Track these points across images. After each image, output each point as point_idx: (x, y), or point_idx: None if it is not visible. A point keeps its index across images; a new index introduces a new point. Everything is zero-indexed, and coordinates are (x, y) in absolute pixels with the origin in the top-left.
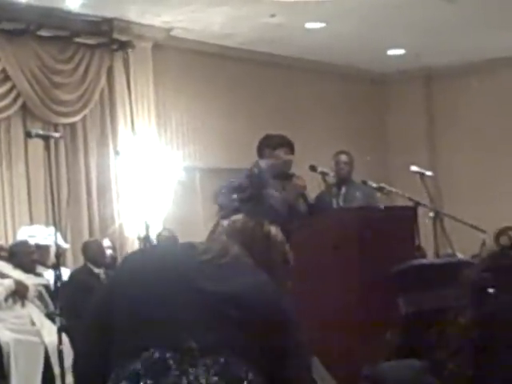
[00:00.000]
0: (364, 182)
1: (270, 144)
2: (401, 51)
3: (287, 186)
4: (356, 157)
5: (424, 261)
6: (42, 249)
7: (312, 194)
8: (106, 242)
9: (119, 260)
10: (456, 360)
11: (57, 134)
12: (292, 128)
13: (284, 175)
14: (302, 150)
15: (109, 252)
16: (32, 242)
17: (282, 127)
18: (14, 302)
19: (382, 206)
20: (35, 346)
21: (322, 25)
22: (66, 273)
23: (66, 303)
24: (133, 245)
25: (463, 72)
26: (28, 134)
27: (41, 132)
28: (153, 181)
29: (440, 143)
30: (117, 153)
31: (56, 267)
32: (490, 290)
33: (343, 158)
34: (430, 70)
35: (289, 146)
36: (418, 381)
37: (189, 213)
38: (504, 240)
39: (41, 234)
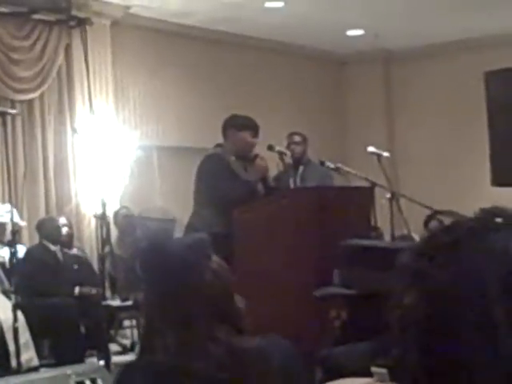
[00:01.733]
0: (322, 163)
1: (235, 124)
2: (360, 32)
3: (249, 168)
4: (314, 137)
5: (366, 242)
6: (0, 226)
7: (270, 173)
8: (63, 220)
9: (75, 237)
10: (400, 345)
11: (13, 111)
12: (249, 107)
13: (247, 156)
14: (262, 130)
15: (65, 230)
16: None
17: (239, 107)
18: None
19: (338, 186)
20: None
21: (281, 4)
22: (21, 250)
23: (22, 280)
24: (89, 223)
25: (421, 54)
26: None
27: None
28: (110, 159)
29: (398, 124)
30: (74, 130)
31: (12, 244)
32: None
33: (296, 138)
34: (388, 52)
35: (254, 129)
36: (370, 365)
37: (146, 191)
38: (433, 225)
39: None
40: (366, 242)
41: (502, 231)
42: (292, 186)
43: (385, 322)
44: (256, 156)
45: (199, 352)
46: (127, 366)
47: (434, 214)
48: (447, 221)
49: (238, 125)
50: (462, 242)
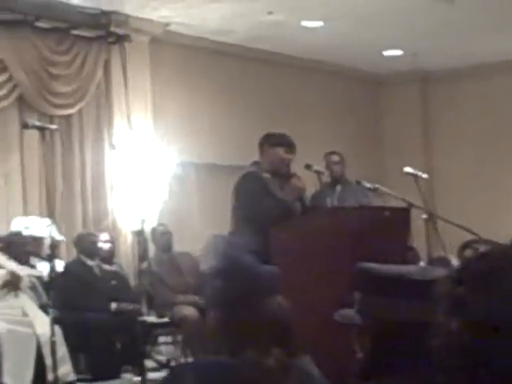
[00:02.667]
0: (358, 182)
1: (269, 141)
2: (398, 52)
3: (286, 186)
4: (351, 157)
5: (382, 268)
6: (37, 240)
7: (307, 193)
8: (105, 236)
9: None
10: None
11: (53, 126)
12: (286, 126)
13: (282, 174)
14: (299, 149)
15: (107, 246)
16: (27, 233)
17: (278, 125)
18: (7, 292)
19: (375, 207)
20: (27, 336)
21: (320, 23)
22: (59, 265)
23: (60, 295)
24: (126, 239)
25: (459, 75)
26: (25, 125)
27: (37, 123)
28: (148, 175)
29: (435, 145)
30: (112, 146)
31: (50, 259)
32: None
33: (334, 158)
34: (426, 72)
35: (289, 146)
36: None
37: (184, 208)
38: (469, 253)
39: (35, 226)
40: (381, 269)
41: None
42: (329, 205)
43: (413, 353)
44: (293, 175)
45: (252, 361)
46: (181, 364)
47: (470, 242)
48: (482, 248)
49: (272, 141)
50: (499, 270)
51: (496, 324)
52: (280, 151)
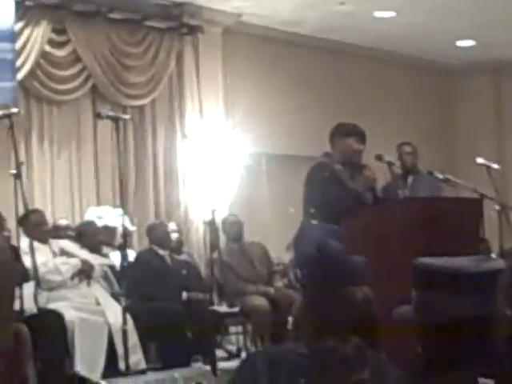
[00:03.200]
0: (430, 173)
1: (340, 131)
2: (470, 42)
3: (357, 177)
4: (423, 148)
5: (439, 263)
6: (109, 230)
7: (378, 184)
8: (172, 226)
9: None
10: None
11: (126, 116)
12: (359, 117)
13: (354, 165)
14: (370, 140)
15: (175, 236)
16: (100, 223)
17: (350, 116)
18: (80, 281)
19: (447, 198)
20: (99, 325)
21: (392, 14)
22: (131, 255)
23: (132, 284)
24: (198, 229)
25: None
26: (98, 115)
27: (111, 113)
28: (219, 165)
29: (508, 136)
30: (184, 136)
31: (122, 248)
32: None
33: (407, 148)
34: (499, 62)
35: (360, 136)
36: None
37: (255, 198)
38: None
39: (108, 216)
40: (434, 265)
41: None
42: (401, 196)
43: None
44: (364, 166)
45: (330, 348)
46: (255, 352)
47: None
48: None
49: (343, 132)
50: None
51: None
52: (351, 141)
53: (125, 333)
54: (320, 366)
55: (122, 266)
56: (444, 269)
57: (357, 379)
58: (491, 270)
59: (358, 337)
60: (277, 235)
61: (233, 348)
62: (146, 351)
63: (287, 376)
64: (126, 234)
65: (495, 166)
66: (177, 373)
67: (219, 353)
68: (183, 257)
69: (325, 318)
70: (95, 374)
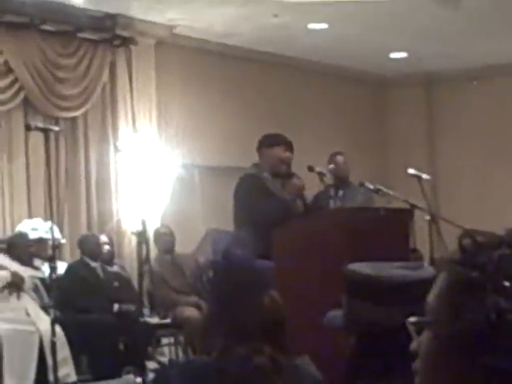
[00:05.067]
0: (361, 184)
1: (266, 142)
2: (403, 54)
3: (286, 186)
4: (355, 159)
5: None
6: (43, 242)
7: (309, 194)
8: (103, 238)
9: (116, 255)
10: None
11: (56, 128)
12: (291, 128)
13: (282, 174)
14: (302, 151)
15: (106, 248)
16: (34, 235)
17: (282, 127)
18: (10, 293)
19: (380, 209)
20: (30, 334)
21: (325, 26)
22: (62, 266)
23: (62, 296)
24: (130, 240)
25: (464, 77)
26: (28, 127)
27: (40, 125)
28: (152, 177)
29: (439, 147)
30: (117, 149)
31: (52, 260)
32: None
33: (339, 159)
34: (431, 75)
35: (286, 144)
36: None
37: (187, 210)
38: (467, 242)
39: (42, 228)
40: (363, 272)
41: None
42: (332, 206)
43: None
44: (292, 175)
45: (243, 359)
46: (167, 366)
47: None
48: (481, 239)
49: (269, 142)
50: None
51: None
52: (278, 151)
53: (54, 345)
54: (233, 378)
55: (50, 277)
56: (371, 277)
57: None
58: (420, 279)
59: (270, 343)
60: None
61: (165, 360)
62: (77, 363)
63: None
64: (55, 246)
65: (425, 176)
66: None
67: (151, 364)
68: (115, 268)
69: (233, 327)
70: None
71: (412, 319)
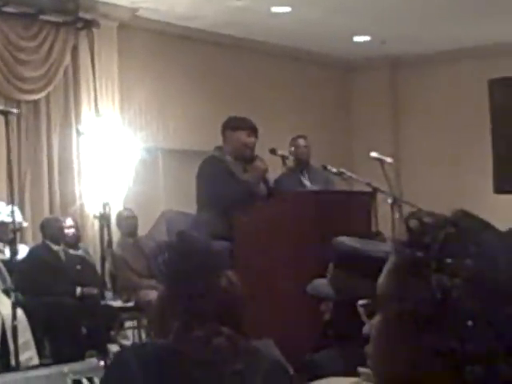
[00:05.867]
0: (324, 167)
1: (230, 125)
2: (366, 38)
3: (249, 169)
4: (319, 142)
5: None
6: (3, 225)
7: (272, 177)
8: (69, 221)
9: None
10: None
11: (15, 110)
12: (255, 111)
13: (245, 158)
14: (265, 134)
15: (72, 231)
16: None
17: (246, 110)
18: None
19: (342, 192)
20: None
21: (288, 9)
22: (24, 250)
23: (24, 279)
24: (93, 223)
25: (428, 60)
26: None
27: (1, 107)
28: (114, 161)
29: (403, 130)
30: (79, 132)
31: (12, 243)
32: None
33: (301, 142)
34: (395, 58)
35: (250, 129)
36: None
37: (150, 193)
38: (413, 223)
39: (4, 211)
40: (357, 247)
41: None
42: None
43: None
44: (255, 157)
45: (202, 341)
46: (124, 349)
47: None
48: (426, 219)
49: (233, 125)
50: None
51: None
52: (242, 135)
53: (15, 329)
54: (191, 360)
55: (11, 261)
56: (359, 250)
57: (231, 371)
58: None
59: (227, 324)
60: None
61: (128, 343)
62: (40, 347)
63: (157, 373)
64: (17, 229)
65: (388, 159)
66: (67, 367)
67: (114, 348)
68: (80, 252)
69: (190, 309)
70: None
71: (362, 302)
